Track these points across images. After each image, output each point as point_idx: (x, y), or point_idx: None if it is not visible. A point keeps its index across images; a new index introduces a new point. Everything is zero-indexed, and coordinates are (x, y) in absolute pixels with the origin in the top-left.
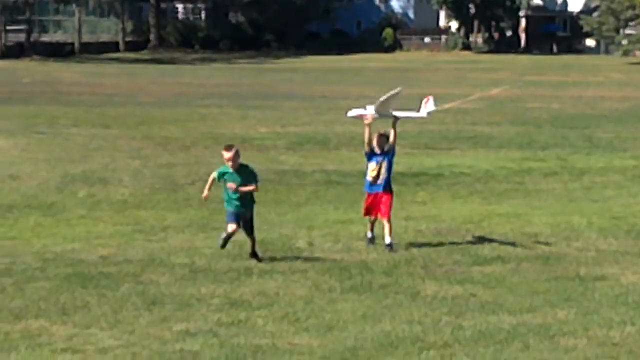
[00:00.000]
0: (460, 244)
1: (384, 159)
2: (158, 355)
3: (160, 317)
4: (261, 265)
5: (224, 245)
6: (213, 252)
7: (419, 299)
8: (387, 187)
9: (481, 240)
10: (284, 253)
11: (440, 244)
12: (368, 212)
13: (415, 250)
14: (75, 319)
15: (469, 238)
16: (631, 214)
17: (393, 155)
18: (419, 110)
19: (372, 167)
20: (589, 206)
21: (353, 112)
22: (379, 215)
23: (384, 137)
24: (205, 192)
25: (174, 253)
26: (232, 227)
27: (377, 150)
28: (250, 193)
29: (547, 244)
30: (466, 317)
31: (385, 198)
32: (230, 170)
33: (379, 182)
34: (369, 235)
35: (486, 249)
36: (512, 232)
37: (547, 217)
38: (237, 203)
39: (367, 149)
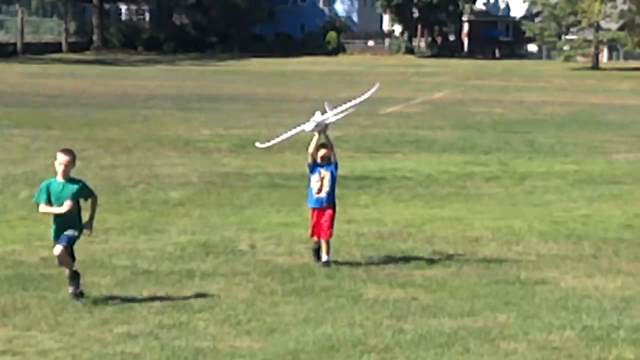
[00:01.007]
0: (402, 247)
1: (326, 170)
2: (98, 357)
3: (100, 319)
4: (203, 267)
5: None
6: (155, 255)
7: (360, 302)
8: (331, 201)
9: (423, 243)
10: (226, 255)
11: (382, 247)
12: (314, 232)
13: (356, 253)
14: (15, 321)
15: (411, 241)
16: (571, 219)
17: (336, 167)
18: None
19: (315, 178)
20: (530, 210)
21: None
22: (320, 236)
23: (323, 147)
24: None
25: (115, 255)
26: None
27: (319, 161)
28: (77, 214)
29: (487, 247)
30: (407, 321)
31: (327, 216)
32: (59, 179)
33: (322, 194)
34: (325, 257)
35: (427, 253)
36: (453, 235)
37: (488, 221)
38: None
39: (310, 159)
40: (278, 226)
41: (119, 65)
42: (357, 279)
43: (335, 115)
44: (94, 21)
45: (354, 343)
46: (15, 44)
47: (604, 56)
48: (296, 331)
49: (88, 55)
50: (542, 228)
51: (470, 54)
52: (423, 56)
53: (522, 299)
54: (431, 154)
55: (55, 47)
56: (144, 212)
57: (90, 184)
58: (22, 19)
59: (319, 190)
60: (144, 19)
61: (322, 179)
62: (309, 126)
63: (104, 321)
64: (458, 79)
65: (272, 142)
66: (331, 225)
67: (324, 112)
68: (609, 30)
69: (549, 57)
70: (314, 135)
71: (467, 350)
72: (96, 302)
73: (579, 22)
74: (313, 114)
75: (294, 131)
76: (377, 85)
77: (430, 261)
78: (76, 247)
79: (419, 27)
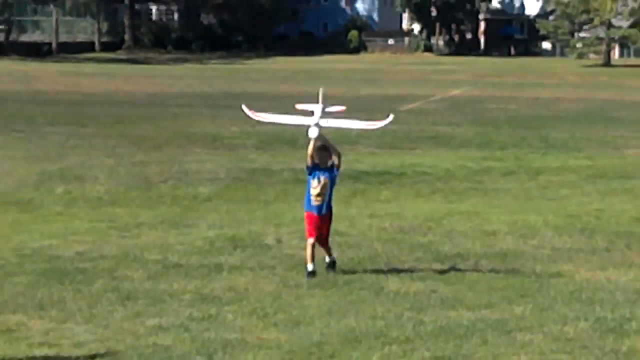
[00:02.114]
0: (422, 241)
1: (326, 176)
2: (131, 349)
3: (133, 311)
4: (231, 261)
5: None
6: (185, 248)
7: (381, 295)
8: (329, 209)
9: (442, 237)
10: (253, 249)
11: (403, 241)
12: (313, 232)
13: (378, 247)
14: (52, 314)
15: (430, 235)
16: (585, 213)
17: (338, 169)
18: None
19: (314, 183)
20: (545, 205)
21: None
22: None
23: (323, 150)
24: None
25: (147, 249)
26: None
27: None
28: None
29: (504, 241)
30: (427, 313)
31: (326, 223)
32: None
33: (321, 203)
34: (310, 267)
35: (446, 246)
36: (471, 229)
37: (505, 215)
38: None
39: (309, 162)
40: (302, 220)
41: (149, 63)
42: (378, 272)
43: (330, 122)
44: (126, 21)
45: (376, 335)
46: (50, 44)
47: (615, 53)
48: (320, 323)
49: (120, 54)
50: (556, 222)
51: (487, 52)
52: (441, 54)
53: (537, 292)
54: (449, 150)
55: (89, 47)
56: (174, 207)
57: (123, 180)
58: (56, 19)
59: (318, 197)
60: (173, 19)
61: (321, 185)
62: (313, 132)
63: (136, 314)
64: (475, 77)
65: (265, 118)
66: (329, 229)
67: (324, 105)
68: (620, 27)
69: (562, 54)
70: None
71: (485, 341)
72: (129, 295)
73: (592, 20)
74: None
75: (292, 121)
76: (391, 117)
77: (449, 255)
78: (109, 241)
79: (437, 25)
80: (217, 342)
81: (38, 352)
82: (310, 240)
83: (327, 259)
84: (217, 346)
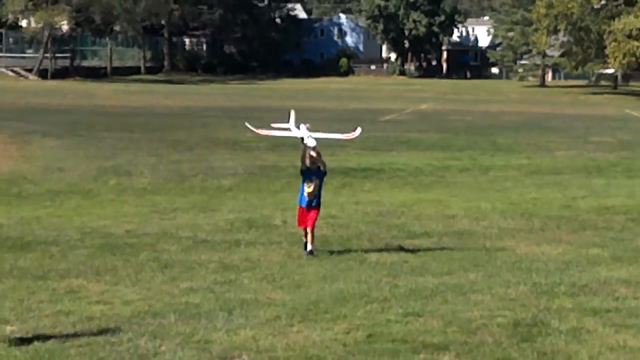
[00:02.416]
0: (396, 222)
1: (317, 178)
2: (168, 306)
3: (170, 277)
4: (247, 238)
5: None
6: (211, 228)
7: (365, 264)
8: (318, 204)
9: (412, 219)
10: (264, 229)
11: (381, 222)
12: (302, 222)
13: (362, 227)
14: (106, 278)
15: (403, 218)
16: (524, 201)
17: (325, 174)
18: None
19: (308, 184)
20: (493, 194)
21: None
22: (307, 225)
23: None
24: None
25: (181, 228)
26: None
27: (313, 168)
28: None
29: (461, 222)
30: (400, 278)
31: (313, 214)
32: None
33: (313, 198)
34: (309, 247)
35: (416, 226)
36: (435, 213)
37: (462, 202)
38: None
39: (303, 166)
40: None
41: (183, 84)
42: (362, 246)
43: (317, 134)
44: (165, 50)
45: (360, 295)
46: (105, 68)
47: (549, 77)
48: (317, 286)
49: (160, 77)
50: (502, 208)
51: (448, 75)
52: (412, 77)
53: (487, 262)
54: (419, 152)
55: (136, 70)
56: (203, 196)
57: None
58: (110, 48)
59: (310, 194)
60: (202, 48)
61: (314, 185)
62: (311, 142)
63: (172, 279)
64: (439, 94)
65: (262, 132)
66: (315, 220)
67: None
68: (552, 56)
69: (507, 77)
70: (305, 142)
71: (446, 301)
72: (167, 264)
73: (530, 51)
74: (307, 131)
75: (287, 133)
76: (359, 130)
77: (418, 233)
78: (151, 222)
79: (409, 54)
80: (236, 301)
81: (95, 308)
82: (302, 229)
83: (309, 247)
84: (236, 304)
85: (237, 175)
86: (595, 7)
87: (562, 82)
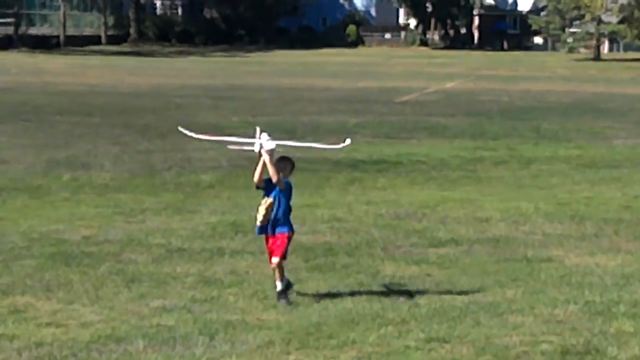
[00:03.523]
0: (417, 227)
1: (273, 194)
2: (136, 329)
3: (138, 293)
4: (233, 245)
5: None
6: (188, 233)
7: (378, 278)
8: (284, 225)
9: (436, 223)
10: (254, 234)
11: (398, 227)
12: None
13: (375, 232)
14: (59, 295)
15: (425, 222)
16: (575, 200)
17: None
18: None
19: (264, 201)
20: (536, 192)
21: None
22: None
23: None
24: None
25: (151, 234)
26: None
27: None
28: None
29: (496, 227)
30: (422, 296)
31: (277, 238)
32: None
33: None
34: (279, 287)
35: (441, 232)
36: (464, 216)
37: (497, 202)
38: None
39: (260, 182)
40: (301, 207)
41: (154, 56)
42: (375, 257)
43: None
44: (131, 15)
45: (373, 316)
46: (58, 37)
47: (605, 48)
48: (319, 305)
49: (125, 47)
50: (547, 209)
51: (480, 46)
52: (436, 48)
53: (528, 276)
54: (444, 140)
55: (95, 40)
56: (178, 194)
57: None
58: (64, 13)
59: (264, 217)
60: (177, 13)
61: (268, 204)
62: (270, 144)
63: (140, 295)
64: (469, 70)
65: (202, 136)
66: (284, 249)
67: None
68: (609, 23)
69: (553, 48)
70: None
71: (478, 323)
72: (134, 277)
73: (582, 16)
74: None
75: (238, 140)
76: (348, 141)
77: (443, 240)
78: (115, 226)
79: (433, 20)
80: (219, 322)
81: (46, 331)
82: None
83: (278, 285)
84: (219, 327)
85: (220, 169)
86: None
87: (621, 55)
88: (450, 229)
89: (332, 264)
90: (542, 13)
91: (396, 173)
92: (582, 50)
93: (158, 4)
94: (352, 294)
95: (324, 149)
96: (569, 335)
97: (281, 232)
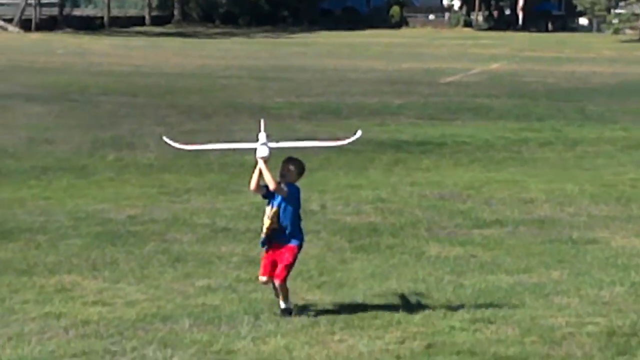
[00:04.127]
0: (461, 208)
1: (278, 202)
2: (181, 308)
3: (183, 273)
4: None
5: None
6: (232, 213)
7: (423, 259)
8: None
9: (481, 204)
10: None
11: (443, 208)
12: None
13: (419, 213)
14: (105, 274)
15: (470, 202)
16: (620, 182)
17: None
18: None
19: (270, 209)
20: (581, 174)
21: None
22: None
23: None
24: None
25: (196, 213)
26: None
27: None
28: None
29: (541, 208)
30: (466, 276)
31: (284, 250)
32: None
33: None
34: (282, 305)
35: (485, 213)
36: (509, 197)
37: (542, 183)
38: None
39: (259, 189)
40: (346, 187)
41: (197, 37)
42: (419, 238)
43: (282, 143)
44: None
45: (418, 297)
46: (102, 18)
47: None
48: (363, 286)
49: (169, 28)
50: (593, 190)
51: (525, 27)
52: (480, 29)
53: (574, 257)
54: (488, 121)
55: (139, 21)
56: (222, 174)
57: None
58: None
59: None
60: None
61: (273, 213)
62: (262, 151)
63: (186, 275)
64: (513, 51)
65: (193, 147)
66: (289, 265)
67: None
68: None
69: (599, 30)
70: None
71: (523, 304)
72: (179, 257)
73: None
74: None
75: (229, 146)
76: (359, 133)
77: (488, 221)
78: (160, 206)
79: (477, 1)
80: (263, 302)
81: (92, 310)
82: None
83: (282, 304)
84: (264, 306)
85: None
86: None
87: None
88: (495, 210)
89: (376, 244)
90: None
91: (440, 154)
92: (628, 31)
93: None
94: (397, 274)
95: (332, 146)
96: (615, 317)
97: (289, 244)
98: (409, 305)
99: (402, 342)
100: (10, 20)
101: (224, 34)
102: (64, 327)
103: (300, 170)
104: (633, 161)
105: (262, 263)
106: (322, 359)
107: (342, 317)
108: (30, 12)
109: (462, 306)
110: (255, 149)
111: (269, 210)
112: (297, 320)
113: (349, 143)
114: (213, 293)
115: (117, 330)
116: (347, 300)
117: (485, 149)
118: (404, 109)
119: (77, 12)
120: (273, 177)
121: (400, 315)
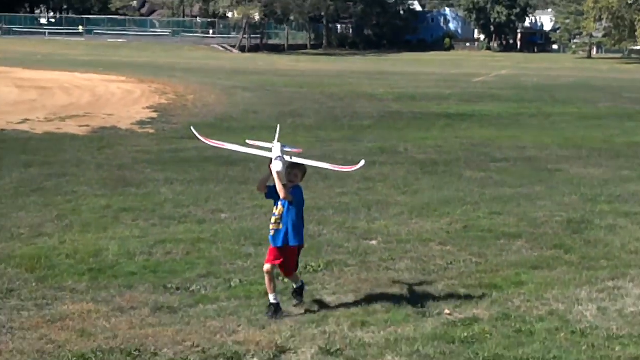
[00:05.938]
0: (484, 150)
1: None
2: (328, 204)
3: (328, 185)
4: (381, 159)
5: None
6: (356, 152)
7: (462, 179)
8: (295, 238)
9: (494, 149)
10: (392, 153)
11: (474, 150)
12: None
13: (460, 153)
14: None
15: (489, 148)
16: (575, 137)
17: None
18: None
19: (275, 207)
20: (553, 133)
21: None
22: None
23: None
24: None
25: (336, 153)
26: None
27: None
28: None
29: (530, 151)
30: (487, 189)
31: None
32: None
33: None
34: (273, 299)
35: (497, 154)
36: (511, 145)
37: (531, 138)
38: None
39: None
40: (418, 139)
41: (336, 56)
42: (460, 166)
43: (294, 159)
44: (324, 33)
45: (458, 200)
46: (283, 45)
47: (594, 51)
48: (429, 193)
49: (320, 51)
50: (559, 142)
51: (521, 50)
52: (495, 51)
53: (548, 178)
54: (500, 103)
55: (304, 47)
56: (350, 131)
57: (322, 116)
58: (287, 32)
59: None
60: (349, 31)
61: (279, 212)
62: (277, 166)
63: (330, 186)
64: (514, 63)
65: (215, 143)
66: (294, 267)
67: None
68: (597, 37)
69: (564, 51)
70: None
71: (519, 205)
72: (326, 176)
73: (581, 33)
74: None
75: (248, 150)
76: (362, 163)
77: (499, 158)
78: (315, 148)
79: (494, 35)
80: (373, 201)
81: None
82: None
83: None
84: (373, 203)
85: (373, 118)
86: (629, 2)
87: (604, 55)
88: (503, 152)
89: (435, 170)
90: (558, 31)
91: (472, 121)
92: (581, 52)
93: (339, 26)
94: (447, 187)
95: (339, 171)
96: (572, 212)
97: (291, 244)
98: (453, 204)
99: (450, 224)
100: (234, 46)
101: (350, 54)
102: (265, 212)
103: (304, 173)
104: (583, 126)
105: (269, 252)
106: (405, 232)
107: (417, 210)
108: (245, 42)
109: (484, 205)
110: (270, 161)
111: (276, 210)
112: (392, 211)
113: (354, 170)
114: (345, 195)
115: None
116: (419, 200)
117: (498, 118)
118: (452, 96)
119: (270, 42)
120: (283, 187)
121: (449, 209)
